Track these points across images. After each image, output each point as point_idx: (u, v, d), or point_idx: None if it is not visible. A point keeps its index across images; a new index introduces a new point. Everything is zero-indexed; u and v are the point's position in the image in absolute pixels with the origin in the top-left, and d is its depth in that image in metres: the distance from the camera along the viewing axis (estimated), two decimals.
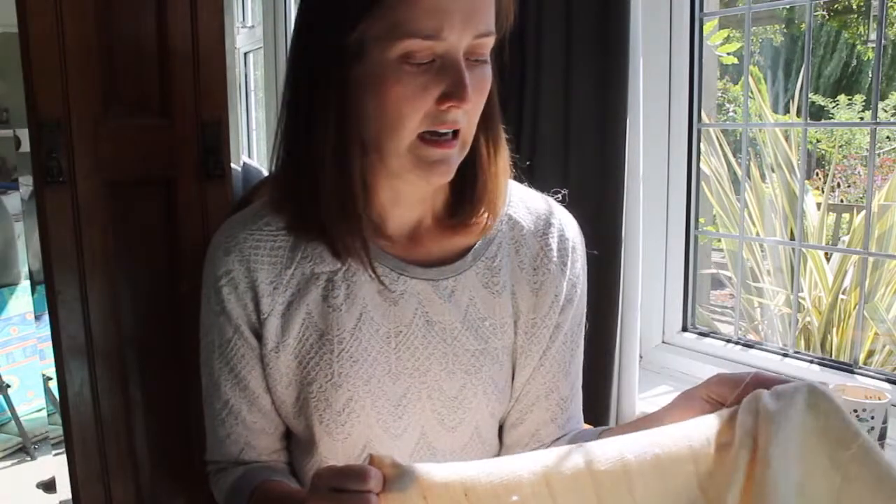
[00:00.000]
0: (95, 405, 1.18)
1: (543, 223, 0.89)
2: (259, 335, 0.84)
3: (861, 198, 4.70)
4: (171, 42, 1.18)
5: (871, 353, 2.16)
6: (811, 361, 1.54)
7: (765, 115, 2.50)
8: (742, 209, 2.10)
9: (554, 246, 0.88)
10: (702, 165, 1.86)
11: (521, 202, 0.90)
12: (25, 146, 1.12)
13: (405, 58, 0.71)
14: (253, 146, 3.48)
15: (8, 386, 2.88)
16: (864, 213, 2.07)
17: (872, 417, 1.16)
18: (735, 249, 2.37)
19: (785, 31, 6.92)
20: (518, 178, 0.91)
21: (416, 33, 0.70)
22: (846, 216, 3.23)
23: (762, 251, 2.46)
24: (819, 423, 0.63)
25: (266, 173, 1.56)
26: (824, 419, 0.63)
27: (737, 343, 1.66)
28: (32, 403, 2.99)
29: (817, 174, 5.25)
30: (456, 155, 0.77)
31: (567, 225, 0.91)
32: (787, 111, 4.05)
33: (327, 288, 0.83)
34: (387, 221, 0.84)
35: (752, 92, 2.14)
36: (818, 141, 6.01)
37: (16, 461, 2.83)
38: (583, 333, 0.93)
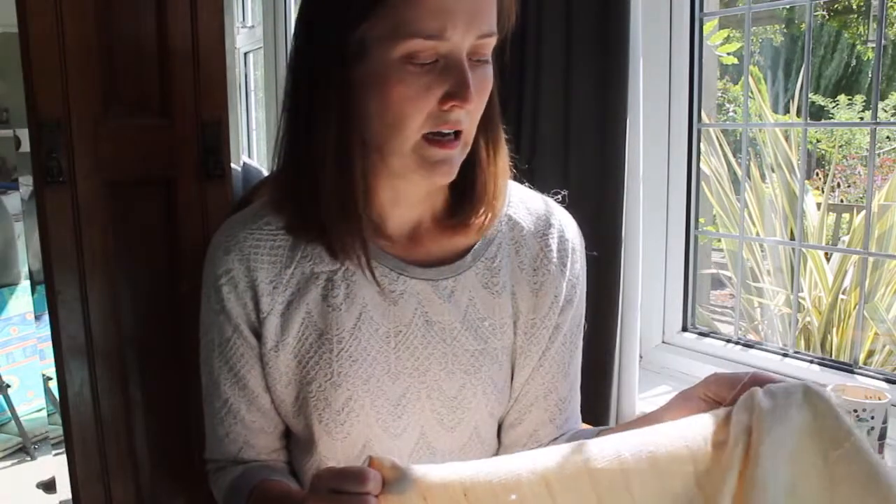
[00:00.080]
0: (95, 405, 1.18)
1: (543, 224, 0.89)
2: (258, 334, 0.84)
3: (861, 198, 4.71)
4: (171, 42, 1.18)
5: (871, 353, 2.16)
6: (811, 361, 1.54)
7: (765, 115, 2.50)
8: (742, 209, 2.10)
9: (554, 246, 0.88)
10: (702, 165, 1.86)
11: (521, 203, 0.90)
12: (25, 146, 1.12)
13: (408, 58, 0.71)
14: (253, 146, 3.48)
15: (8, 386, 2.88)
16: (864, 213, 2.07)
17: (872, 417, 1.16)
18: (735, 249, 2.37)
19: (785, 31, 6.93)
20: (518, 179, 0.91)
21: (420, 33, 0.70)
22: (846, 216, 3.23)
23: (762, 251, 2.46)
24: (814, 423, 0.63)
25: (266, 173, 1.57)
26: (820, 419, 0.63)
27: (737, 343, 1.66)
28: (32, 403, 2.99)
29: (817, 174, 5.25)
30: (458, 155, 0.77)
31: (567, 226, 0.91)
32: (787, 111, 4.05)
33: (327, 287, 0.83)
34: (387, 221, 0.84)
35: (752, 92, 2.14)
36: (818, 141, 6.01)
37: (16, 461, 2.83)
38: (582, 334, 0.93)
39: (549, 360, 0.89)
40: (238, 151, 2.54)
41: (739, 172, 2.10)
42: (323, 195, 0.78)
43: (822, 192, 3.32)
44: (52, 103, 1.09)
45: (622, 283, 1.45)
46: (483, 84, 0.76)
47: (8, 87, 2.71)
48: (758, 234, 2.37)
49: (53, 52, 1.08)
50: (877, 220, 2.23)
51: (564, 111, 1.48)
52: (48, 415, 2.78)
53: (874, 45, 4.88)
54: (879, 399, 1.18)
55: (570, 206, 0.94)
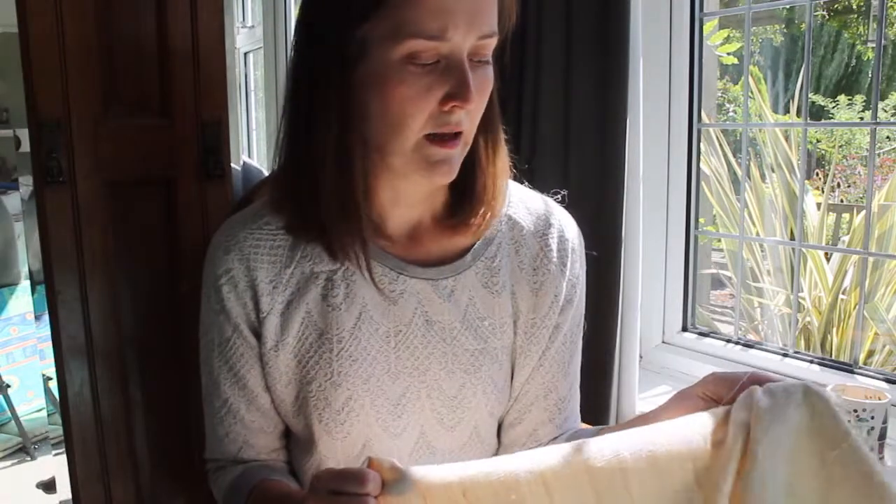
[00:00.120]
0: (95, 405, 1.18)
1: (543, 223, 0.89)
2: (258, 334, 0.84)
3: (861, 198, 4.71)
4: (171, 42, 1.18)
5: (871, 353, 2.16)
6: (811, 361, 1.54)
7: (765, 115, 2.50)
8: (742, 209, 2.10)
9: (554, 246, 0.88)
10: (702, 165, 1.86)
11: (521, 202, 0.90)
12: (25, 146, 1.12)
13: (409, 58, 0.71)
14: (253, 146, 3.48)
15: (8, 386, 2.88)
16: (864, 213, 2.07)
17: (872, 417, 1.16)
18: (735, 249, 2.37)
19: (785, 31, 6.93)
20: (518, 179, 0.91)
21: (421, 34, 0.70)
22: (846, 216, 3.23)
23: (762, 251, 2.46)
24: (812, 423, 0.63)
25: (266, 173, 1.57)
26: (818, 419, 0.63)
27: (737, 343, 1.66)
28: (32, 403, 2.99)
29: (817, 174, 5.25)
30: (458, 154, 0.77)
31: (566, 225, 0.91)
32: (787, 111, 4.05)
33: (327, 287, 0.83)
34: (386, 221, 0.84)
35: (752, 92, 2.14)
36: (818, 141, 6.01)
37: (16, 461, 2.83)
38: (581, 334, 0.93)
39: (549, 359, 0.89)
40: (238, 151, 2.54)
41: (739, 172, 2.10)
42: (323, 195, 0.78)
43: (822, 192, 3.33)
44: (52, 103, 1.09)
45: (622, 283, 1.45)
46: (484, 84, 0.76)
47: (8, 87, 2.71)
48: (758, 234, 2.37)
49: (53, 52, 1.08)
50: (877, 220, 2.23)
51: (564, 111, 1.48)
52: (48, 415, 2.78)
53: (874, 45, 4.88)
54: (879, 399, 1.18)
55: (570, 206, 0.94)
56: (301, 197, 0.81)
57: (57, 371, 1.16)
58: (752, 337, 2.36)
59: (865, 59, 7.16)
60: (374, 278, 0.81)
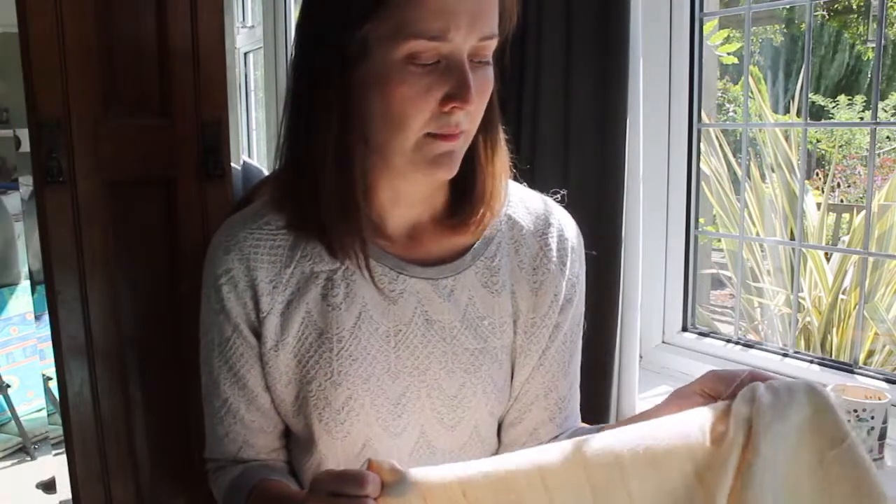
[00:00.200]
0: (95, 405, 1.18)
1: (543, 223, 0.89)
2: (258, 334, 0.84)
3: (861, 198, 4.71)
4: (171, 42, 1.18)
5: (871, 353, 2.16)
6: (811, 361, 1.54)
7: (765, 115, 2.50)
8: (742, 209, 2.10)
9: (553, 246, 0.88)
10: (702, 165, 1.86)
11: (520, 202, 0.90)
12: (25, 146, 1.12)
13: (410, 58, 0.71)
14: (253, 146, 3.48)
15: (8, 386, 2.88)
16: (864, 213, 2.07)
17: (872, 417, 1.17)
18: (735, 249, 2.37)
19: (785, 31, 6.93)
20: (518, 179, 0.91)
21: (422, 34, 0.70)
22: (846, 216, 3.23)
23: (762, 251, 2.46)
24: (813, 422, 0.64)
25: (266, 173, 1.57)
26: (819, 418, 0.63)
27: (737, 343, 1.66)
28: (32, 403, 2.99)
29: (817, 174, 5.25)
30: (459, 149, 0.77)
31: (566, 225, 0.91)
32: (787, 111, 4.05)
33: (327, 287, 0.83)
34: (386, 221, 0.84)
35: (752, 92, 2.14)
36: (818, 141, 6.01)
37: (16, 461, 2.83)
38: (581, 333, 0.93)
39: (549, 359, 0.89)
40: (238, 151, 2.54)
41: (739, 172, 2.10)
42: (323, 195, 0.78)
43: (822, 192, 3.33)
44: (52, 103, 1.09)
45: (622, 283, 1.45)
46: (484, 85, 0.76)
47: (8, 87, 2.71)
48: (758, 234, 2.37)
49: (53, 52, 1.08)
50: (877, 220, 2.23)
51: (564, 111, 1.48)
52: (48, 415, 2.78)
53: (874, 45, 4.88)
54: (879, 399, 1.18)
55: (570, 206, 0.94)
56: (301, 197, 0.81)
57: (57, 371, 1.16)
58: (752, 337, 2.36)
59: (865, 59, 7.16)
60: (373, 278, 0.81)
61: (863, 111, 6.17)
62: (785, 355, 1.58)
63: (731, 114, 5.10)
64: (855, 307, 2.11)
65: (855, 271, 2.20)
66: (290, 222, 0.84)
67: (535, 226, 0.89)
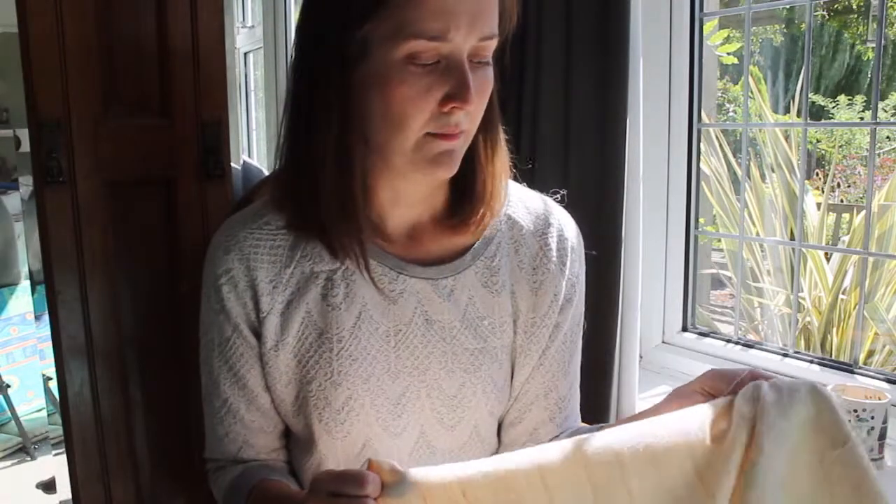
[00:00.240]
0: (95, 405, 1.18)
1: (542, 223, 0.89)
2: (258, 334, 0.84)
3: (861, 198, 4.70)
4: (171, 42, 1.18)
5: (871, 353, 2.16)
6: (811, 361, 1.54)
7: (765, 115, 2.50)
8: (742, 209, 2.10)
9: (553, 246, 0.88)
10: (702, 165, 1.86)
11: (520, 202, 0.90)
12: (25, 146, 1.12)
13: (410, 58, 0.72)
14: (253, 146, 3.48)
15: (8, 386, 2.88)
16: (864, 213, 2.07)
17: (872, 417, 1.17)
18: (735, 249, 2.37)
19: (785, 31, 6.92)
20: (518, 179, 0.91)
21: (423, 34, 0.70)
22: (846, 216, 3.23)
23: (762, 251, 2.46)
24: (816, 422, 0.64)
25: (266, 173, 1.57)
26: (821, 418, 0.63)
27: (737, 343, 1.66)
28: (32, 403, 2.99)
29: (817, 174, 5.24)
30: (459, 147, 0.77)
31: (566, 225, 0.91)
32: (787, 111, 4.05)
33: (326, 287, 0.83)
34: (386, 221, 0.84)
35: (752, 92, 2.14)
36: (818, 141, 6.01)
37: (16, 461, 2.83)
38: (581, 333, 0.93)
39: (549, 358, 0.89)
40: (238, 151, 2.54)
41: (739, 172, 2.10)
42: (323, 195, 0.78)
43: (822, 192, 3.32)
44: (52, 103, 1.09)
45: (622, 283, 1.45)
46: (483, 85, 0.76)
47: (8, 87, 2.71)
48: (758, 234, 2.37)
49: (53, 52, 1.08)
50: (877, 220, 2.23)
51: (564, 111, 1.48)
52: (48, 415, 2.78)
53: (874, 45, 4.88)
54: (879, 399, 1.18)
55: (570, 206, 0.94)
56: (301, 197, 0.81)
57: (57, 371, 1.16)
58: (752, 337, 2.36)
59: (865, 59, 7.16)
60: (373, 278, 0.81)
61: (863, 111, 6.17)
62: (785, 355, 1.58)
63: (731, 114, 5.10)
64: (855, 307, 2.11)
65: (855, 271, 2.20)
66: (290, 222, 0.84)
67: (534, 226, 0.89)
